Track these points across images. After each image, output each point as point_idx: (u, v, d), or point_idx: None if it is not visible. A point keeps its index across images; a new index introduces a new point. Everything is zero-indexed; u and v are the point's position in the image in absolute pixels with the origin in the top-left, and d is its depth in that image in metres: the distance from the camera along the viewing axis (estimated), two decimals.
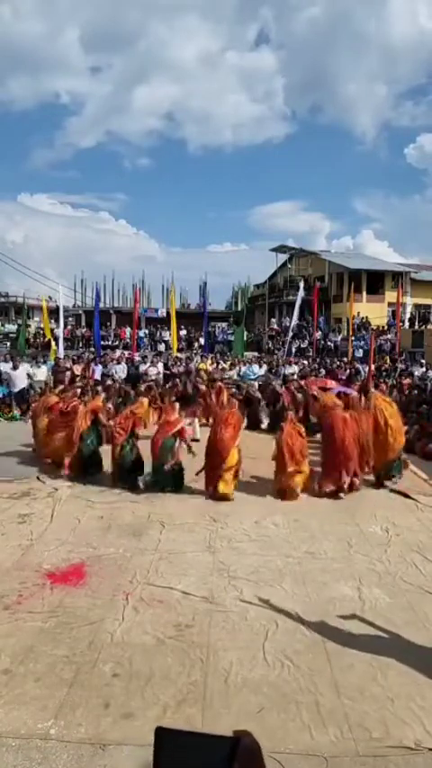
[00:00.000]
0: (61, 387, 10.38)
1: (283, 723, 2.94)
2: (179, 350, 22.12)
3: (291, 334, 21.69)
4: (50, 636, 3.73)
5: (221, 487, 6.82)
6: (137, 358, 18.37)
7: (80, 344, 25.12)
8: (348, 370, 16.46)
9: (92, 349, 21.84)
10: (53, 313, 24.36)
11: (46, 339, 21.97)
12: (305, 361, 19.63)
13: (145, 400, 8.37)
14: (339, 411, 7.48)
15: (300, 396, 11.02)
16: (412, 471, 8.28)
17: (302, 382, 12.77)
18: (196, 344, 25.61)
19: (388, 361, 20.06)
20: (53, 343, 20.12)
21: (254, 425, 11.54)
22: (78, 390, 9.46)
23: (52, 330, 22.37)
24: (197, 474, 7.16)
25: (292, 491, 6.98)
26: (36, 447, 9.07)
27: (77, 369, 15.59)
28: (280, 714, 3.02)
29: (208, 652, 3.59)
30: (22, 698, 3.08)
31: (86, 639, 3.68)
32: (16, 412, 13.03)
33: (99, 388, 10.67)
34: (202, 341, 23.72)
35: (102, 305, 26.08)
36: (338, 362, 18.92)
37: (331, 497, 7.02)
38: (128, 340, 23.92)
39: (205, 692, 3.19)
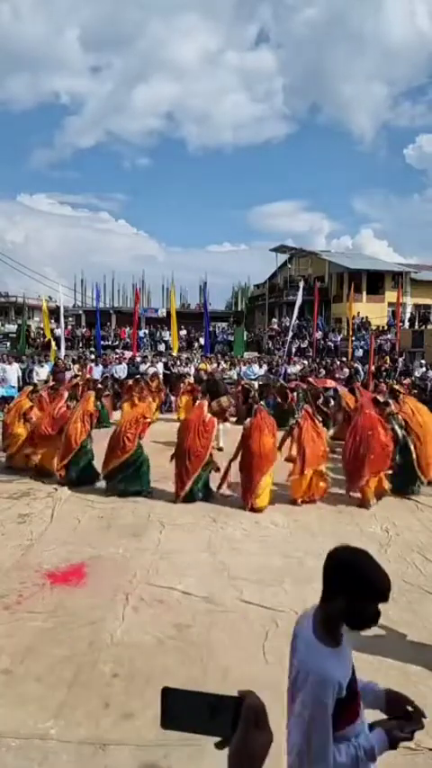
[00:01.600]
0: (31, 388, 9.62)
1: (284, 723, 2.93)
2: (179, 350, 22.11)
3: (291, 334, 21.71)
4: (50, 636, 3.72)
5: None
6: (137, 358, 18.39)
7: (80, 344, 25.13)
8: (348, 370, 16.47)
9: (92, 349, 21.87)
10: (53, 313, 24.37)
11: (46, 339, 21.99)
12: (305, 361, 19.65)
13: (91, 395, 8.01)
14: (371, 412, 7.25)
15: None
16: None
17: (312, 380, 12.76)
18: (196, 344, 25.60)
19: (388, 361, 20.06)
20: (53, 343, 20.15)
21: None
22: (66, 393, 8.60)
23: (52, 330, 22.40)
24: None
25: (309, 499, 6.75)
26: (10, 456, 8.35)
27: (77, 369, 15.67)
28: (280, 714, 3.01)
29: (208, 652, 3.59)
30: (22, 698, 3.08)
31: (86, 639, 3.68)
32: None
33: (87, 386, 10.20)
34: (202, 341, 23.71)
35: (102, 305, 26.11)
36: (338, 362, 18.93)
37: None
38: (128, 340, 23.91)
39: None
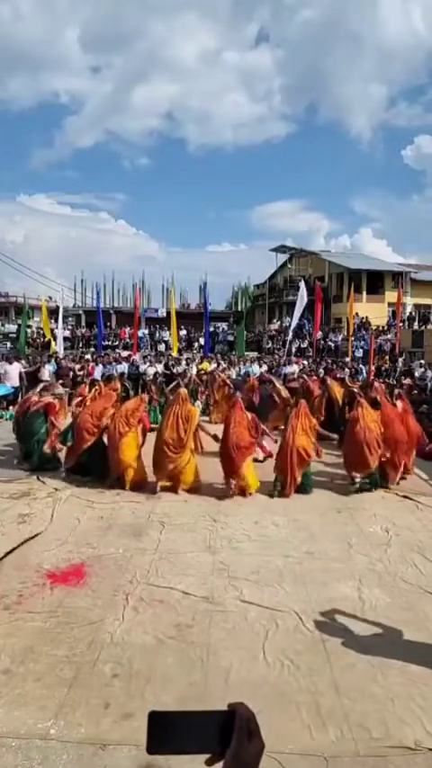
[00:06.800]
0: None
1: (283, 723, 2.94)
2: (179, 350, 22.12)
3: (291, 334, 21.72)
4: (50, 636, 3.73)
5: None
6: (137, 358, 18.41)
7: (80, 344, 25.14)
8: (348, 371, 16.45)
9: (92, 349, 21.92)
10: (53, 313, 24.39)
11: (46, 339, 22.01)
12: (305, 362, 19.65)
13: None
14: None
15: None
16: (412, 471, 8.27)
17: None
18: (196, 344, 25.61)
19: (388, 361, 20.06)
20: (53, 342, 20.18)
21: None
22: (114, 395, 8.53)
23: (52, 330, 22.43)
24: None
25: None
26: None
27: (77, 368, 15.70)
28: (280, 714, 3.01)
29: (208, 652, 3.59)
30: (22, 698, 3.08)
31: (86, 639, 3.68)
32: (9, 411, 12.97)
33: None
34: (202, 341, 23.72)
35: (102, 305, 26.12)
36: (338, 363, 18.93)
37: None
38: (128, 340, 23.92)
39: (205, 692, 3.19)
